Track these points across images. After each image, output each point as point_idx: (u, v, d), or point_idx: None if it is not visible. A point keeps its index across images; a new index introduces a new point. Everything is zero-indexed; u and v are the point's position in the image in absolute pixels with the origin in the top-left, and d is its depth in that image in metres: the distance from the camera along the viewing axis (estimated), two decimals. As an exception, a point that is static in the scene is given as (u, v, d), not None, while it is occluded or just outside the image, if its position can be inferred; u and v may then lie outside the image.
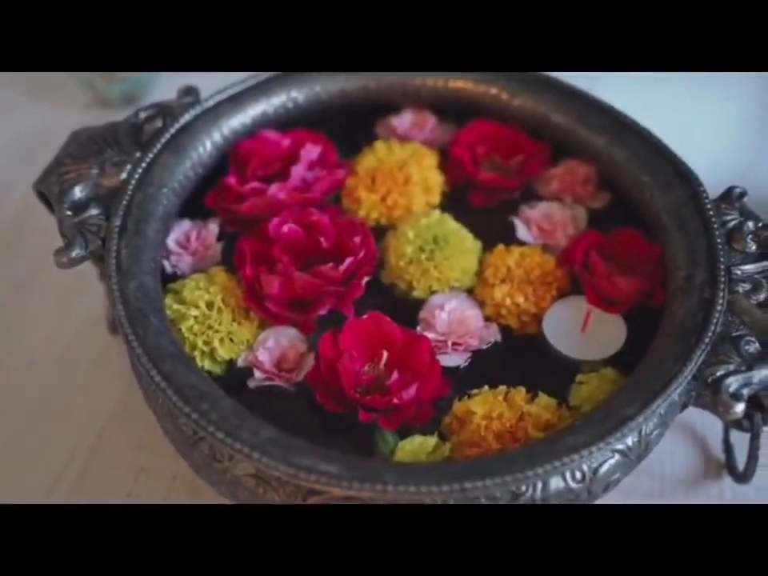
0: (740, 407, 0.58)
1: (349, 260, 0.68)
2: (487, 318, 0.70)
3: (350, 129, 0.79)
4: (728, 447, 0.74)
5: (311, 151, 0.75)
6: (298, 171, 0.74)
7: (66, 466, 0.74)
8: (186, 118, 0.73)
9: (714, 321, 0.62)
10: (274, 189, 0.72)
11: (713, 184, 0.70)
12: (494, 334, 0.68)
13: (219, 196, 0.74)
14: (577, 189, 0.76)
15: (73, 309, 0.83)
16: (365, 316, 0.67)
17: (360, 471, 0.56)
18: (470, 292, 0.71)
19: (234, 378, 0.67)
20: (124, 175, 0.70)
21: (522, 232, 0.73)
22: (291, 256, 0.69)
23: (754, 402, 0.70)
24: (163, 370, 0.60)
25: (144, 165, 0.70)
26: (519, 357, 0.68)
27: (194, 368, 0.62)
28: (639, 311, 0.68)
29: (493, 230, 0.74)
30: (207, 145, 0.74)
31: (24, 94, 1.02)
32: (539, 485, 0.58)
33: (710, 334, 0.61)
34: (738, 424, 0.71)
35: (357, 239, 0.70)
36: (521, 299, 0.69)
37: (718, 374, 0.60)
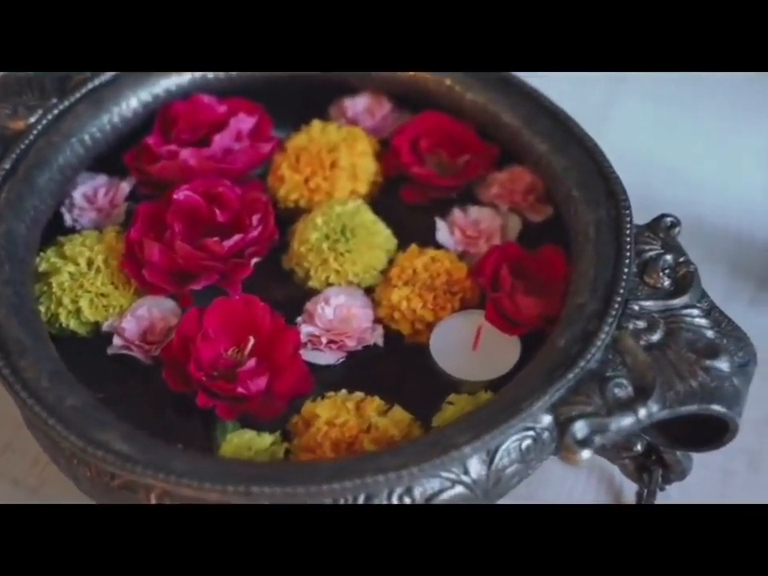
0: (584, 454, 0.51)
1: (236, 237, 0.64)
2: (379, 320, 0.65)
3: (304, 106, 0.75)
4: (640, 499, 0.67)
5: (242, 121, 0.71)
6: (221, 139, 0.70)
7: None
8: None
9: (587, 356, 0.55)
10: (185, 153, 0.68)
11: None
12: (375, 338, 0.63)
13: (137, 155, 0.71)
14: (516, 197, 0.69)
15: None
16: (236, 297, 0.63)
17: (151, 455, 0.52)
18: (372, 290, 0.66)
19: (100, 342, 0.64)
20: (33, 120, 0.68)
21: (442, 235, 0.68)
22: (185, 225, 0.65)
23: (656, 458, 0.64)
24: (-8, 318, 0.58)
25: (56, 112, 0.68)
26: (403, 366, 0.64)
27: (32, 324, 0.59)
28: (542, 336, 0.62)
29: (419, 229, 0.69)
30: (132, 101, 0.71)
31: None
32: (360, 500, 0.53)
33: (576, 369, 0.54)
34: (638, 477, 0.65)
35: (255, 217, 0.66)
36: (418, 305, 0.64)
37: (572, 414, 0.53)
